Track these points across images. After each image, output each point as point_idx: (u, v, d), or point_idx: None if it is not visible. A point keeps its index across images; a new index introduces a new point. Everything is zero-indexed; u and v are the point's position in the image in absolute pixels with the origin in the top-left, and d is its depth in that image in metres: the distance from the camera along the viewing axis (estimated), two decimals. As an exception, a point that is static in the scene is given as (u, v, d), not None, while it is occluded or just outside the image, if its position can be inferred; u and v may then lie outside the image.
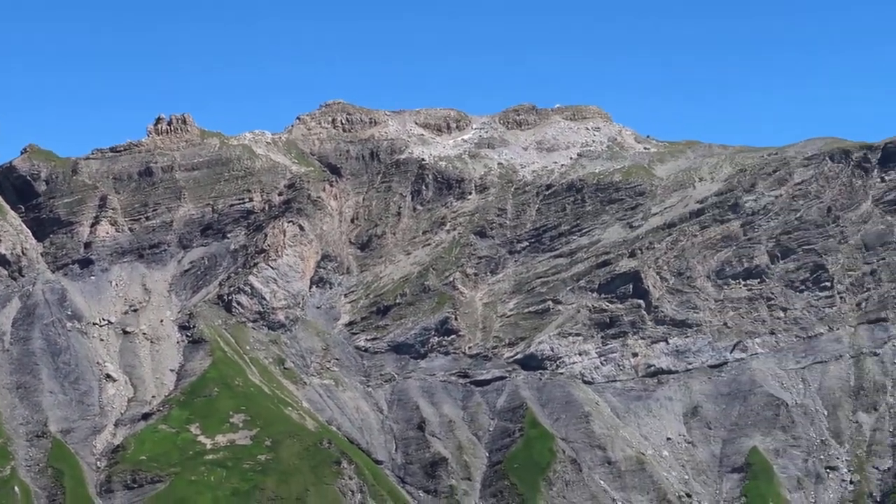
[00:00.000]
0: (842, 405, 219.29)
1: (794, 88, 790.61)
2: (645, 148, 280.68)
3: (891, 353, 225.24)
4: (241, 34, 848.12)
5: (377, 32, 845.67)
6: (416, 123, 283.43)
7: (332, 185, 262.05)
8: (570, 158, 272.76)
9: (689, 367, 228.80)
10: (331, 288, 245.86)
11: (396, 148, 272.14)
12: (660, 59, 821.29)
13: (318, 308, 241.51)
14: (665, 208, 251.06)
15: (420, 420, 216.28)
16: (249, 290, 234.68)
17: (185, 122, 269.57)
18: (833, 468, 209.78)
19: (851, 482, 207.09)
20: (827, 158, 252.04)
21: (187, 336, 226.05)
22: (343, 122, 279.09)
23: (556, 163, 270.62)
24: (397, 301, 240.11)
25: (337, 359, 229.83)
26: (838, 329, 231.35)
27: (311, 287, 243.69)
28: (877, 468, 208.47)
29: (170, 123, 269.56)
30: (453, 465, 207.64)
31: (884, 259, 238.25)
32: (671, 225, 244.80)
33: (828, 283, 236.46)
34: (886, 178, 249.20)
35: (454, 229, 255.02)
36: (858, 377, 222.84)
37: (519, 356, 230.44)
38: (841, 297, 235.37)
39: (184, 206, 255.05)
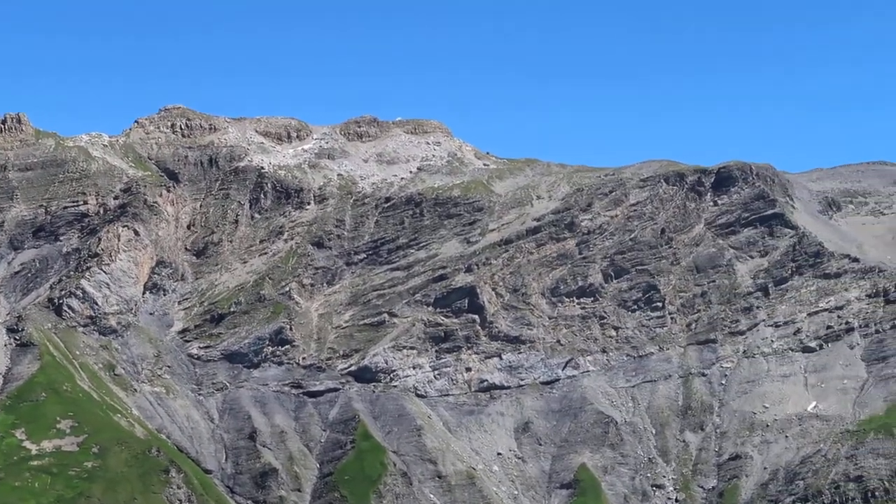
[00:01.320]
0: (669, 424, 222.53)
1: (630, 110, 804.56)
2: (484, 164, 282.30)
3: (718, 374, 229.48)
4: (80, 37, 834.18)
5: (220, 41, 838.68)
6: (257, 131, 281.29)
7: (169, 191, 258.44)
8: (410, 172, 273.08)
9: (522, 383, 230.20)
10: (165, 294, 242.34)
11: (236, 155, 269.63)
12: (501, 75, 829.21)
13: (150, 314, 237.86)
14: (502, 225, 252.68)
15: (251, 430, 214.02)
16: (81, 294, 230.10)
17: (19, 121, 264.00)
18: (659, 486, 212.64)
19: (677, 500, 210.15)
20: (662, 181, 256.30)
21: (15, 339, 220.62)
22: (182, 127, 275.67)
23: (395, 176, 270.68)
24: (232, 309, 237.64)
25: (169, 366, 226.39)
26: (668, 349, 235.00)
27: (144, 293, 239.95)
28: (702, 487, 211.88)
29: (3, 122, 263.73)
30: (283, 476, 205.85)
31: (714, 281, 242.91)
32: (508, 241, 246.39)
33: (659, 304, 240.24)
34: (719, 201, 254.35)
35: (292, 239, 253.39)
36: (686, 397, 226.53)
37: (353, 368, 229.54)
38: (672, 318, 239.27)
39: (16, 207, 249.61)
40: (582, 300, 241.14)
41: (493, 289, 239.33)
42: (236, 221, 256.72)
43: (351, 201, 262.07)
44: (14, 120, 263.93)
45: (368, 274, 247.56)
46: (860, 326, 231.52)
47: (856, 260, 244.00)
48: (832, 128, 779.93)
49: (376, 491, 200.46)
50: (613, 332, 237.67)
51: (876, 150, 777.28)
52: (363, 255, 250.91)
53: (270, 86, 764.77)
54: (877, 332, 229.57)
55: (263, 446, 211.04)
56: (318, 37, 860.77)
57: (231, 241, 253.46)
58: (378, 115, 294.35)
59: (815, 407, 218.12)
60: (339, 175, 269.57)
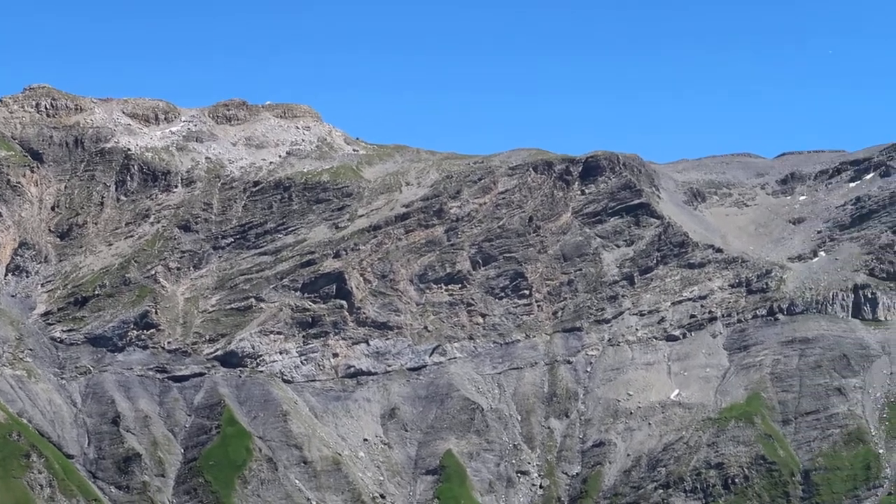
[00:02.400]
0: (535, 411, 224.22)
1: (500, 97, 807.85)
2: (354, 150, 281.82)
3: (584, 361, 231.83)
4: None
5: (88, 21, 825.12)
6: (124, 113, 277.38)
7: (33, 171, 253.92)
8: (279, 156, 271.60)
9: (389, 369, 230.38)
10: (27, 276, 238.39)
11: (102, 136, 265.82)
12: (371, 60, 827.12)
13: (12, 296, 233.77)
14: (371, 210, 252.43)
15: (115, 414, 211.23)
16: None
17: None
18: (524, 472, 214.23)
19: (541, 486, 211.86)
20: (530, 169, 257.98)
21: None
22: (47, 107, 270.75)
23: (264, 160, 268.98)
24: (96, 293, 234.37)
25: (31, 349, 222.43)
26: (534, 337, 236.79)
27: (6, 275, 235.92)
28: (566, 473, 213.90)
29: None
30: (147, 462, 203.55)
31: (580, 270, 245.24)
32: (376, 227, 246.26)
33: (526, 292, 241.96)
34: (586, 191, 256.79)
35: (158, 222, 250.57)
36: (552, 384, 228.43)
37: (219, 353, 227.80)
38: (538, 306, 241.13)
39: None
40: (450, 287, 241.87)
41: (362, 275, 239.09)
42: (102, 203, 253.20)
43: (219, 185, 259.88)
44: None
45: (236, 258, 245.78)
46: (723, 316, 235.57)
47: (719, 250, 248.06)
48: (698, 119, 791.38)
49: (241, 476, 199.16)
50: (480, 319, 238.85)
51: (741, 142, 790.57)
52: (231, 240, 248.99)
53: (138, 67, 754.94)
54: (739, 321, 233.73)
55: (127, 431, 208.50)
56: (187, 18, 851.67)
57: (96, 224, 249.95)
58: (247, 98, 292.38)
59: (677, 395, 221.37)
60: (207, 158, 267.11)
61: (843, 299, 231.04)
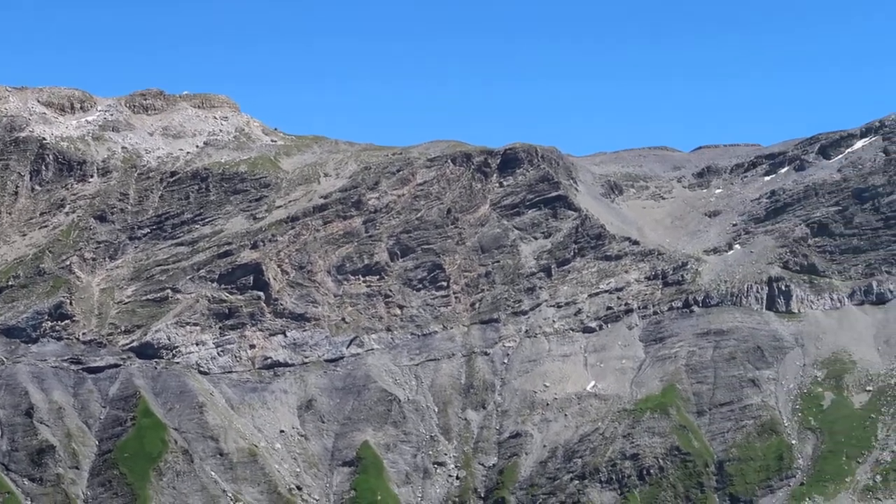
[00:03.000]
0: (452, 402, 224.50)
1: (419, 89, 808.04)
2: (272, 140, 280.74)
3: (501, 353, 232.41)
4: None
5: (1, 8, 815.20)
6: (39, 101, 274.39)
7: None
8: (197, 146, 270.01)
9: (306, 360, 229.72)
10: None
11: (16, 125, 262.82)
12: (289, 50, 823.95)
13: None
14: (289, 202, 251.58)
15: (28, 406, 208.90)
16: None
17: None
18: (441, 464, 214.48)
19: (458, 478, 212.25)
20: (449, 161, 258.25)
21: None
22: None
23: (181, 150, 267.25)
24: (10, 283, 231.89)
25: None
26: (452, 328, 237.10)
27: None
28: (482, 464, 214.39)
29: None
30: (61, 454, 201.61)
31: (498, 262, 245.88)
32: (294, 219, 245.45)
33: (444, 283, 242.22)
34: (505, 183, 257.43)
35: (73, 212, 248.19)
36: (469, 375, 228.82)
37: (135, 344, 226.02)
38: (456, 297, 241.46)
39: None
40: (367, 278, 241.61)
41: (279, 266, 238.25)
42: (16, 193, 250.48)
43: (135, 175, 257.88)
44: None
45: (152, 249, 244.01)
46: (639, 308, 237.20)
47: (636, 243, 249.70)
48: (616, 112, 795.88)
49: (156, 468, 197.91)
50: (398, 311, 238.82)
51: (658, 135, 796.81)
52: (147, 230, 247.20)
53: (54, 56, 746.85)
54: (654, 313, 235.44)
55: (41, 423, 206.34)
56: (104, 7, 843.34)
57: (10, 214, 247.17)
58: (165, 88, 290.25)
59: (593, 386, 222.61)
60: (123, 148, 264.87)
61: (758, 292, 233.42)
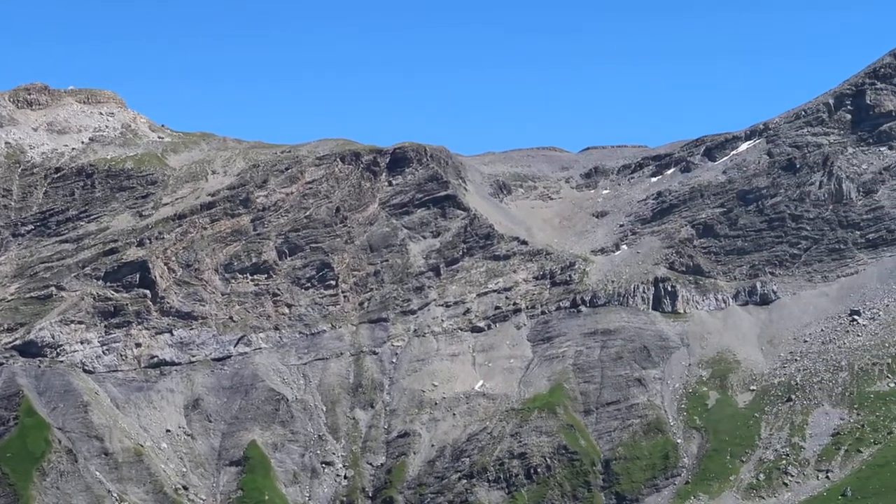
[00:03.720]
0: (340, 401, 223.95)
1: (308, 86, 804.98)
2: (159, 137, 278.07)
3: (389, 352, 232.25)
4: None
5: None
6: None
7: None
8: (82, 143, 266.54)
9: (193, 359, 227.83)
10: None
11: None
12: (176, 46, 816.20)
13: None
14: (176, 199, 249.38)
15: None
16: None
17: None
18: (329, 463, 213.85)
19: (346, 477, 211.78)
20: (338, 159, 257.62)
21: None
22: None
23: (66, 146, 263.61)
24: None
25: None
26: (340, 327, 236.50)
27: None
28: (370, 464, 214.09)
29: None
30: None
31: (387, 261, 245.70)
32: (182, 216, 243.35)
33: (332, 282, 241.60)
34: (394, 182, 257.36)
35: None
36: (357, 375, 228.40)
37: (18, 342, 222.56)
38: (345, 296, 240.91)
39: None
40: (255, 277, 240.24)
41: (166, 264, 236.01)
42: None
43: (19, 171, 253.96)
44: None
45: (36, 246, 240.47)
46: (527, 307, 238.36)
47: (524, 242, 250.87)
48: (505, 112, 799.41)
49: (40, 468, 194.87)
50: (286, 310, 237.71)
51: (546, 135, 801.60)
52: (31, 227, 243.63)
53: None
54: (542, 313, 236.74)
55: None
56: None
57: None
58: (50, 83, 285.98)
59: (482, 385, 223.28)
60: (6, 143, 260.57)
61: (644, 292, 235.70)
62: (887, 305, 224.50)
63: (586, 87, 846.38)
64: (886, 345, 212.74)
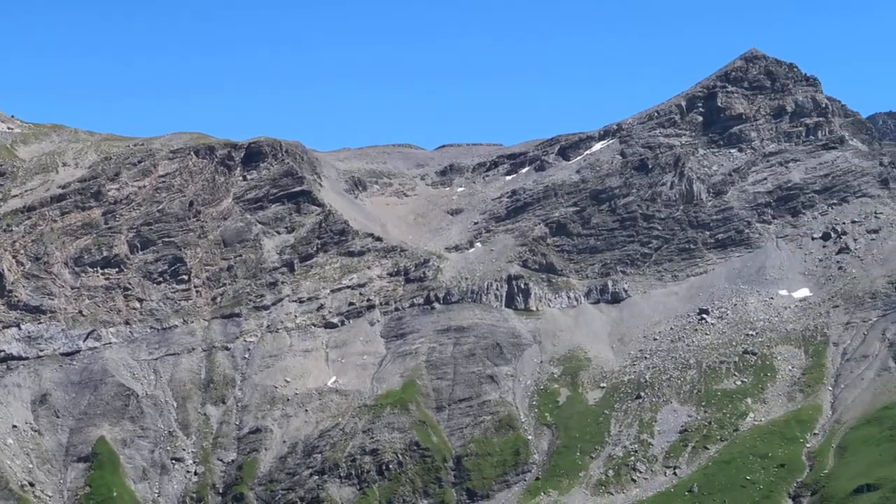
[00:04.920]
0: (191, 397, 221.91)
1: (162, 78, 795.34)
2: (8, 128, 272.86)
3: (241, 347, 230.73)
4: None
5: None
6: None
7: None
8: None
9: (41, 353, 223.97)
10: None
11: None
12: (27, 33, 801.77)
13: None
14: (26, 191, 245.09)
15: None
16: None
17: None
18: (179, 459, 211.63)
19: (196, 473, 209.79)
20: (192, 153, 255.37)
21: None
22: None
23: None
24: None
25: None
26: (192, 322, 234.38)
27: None
28: (221, 460, 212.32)
29: None
30: None
31: (241, 256, 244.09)
32: (31, 209, 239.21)
33: (185, 277, 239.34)
34: (248, 176, 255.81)
35: None
36: (209, 370, 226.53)
37: None
38: (197, 291, 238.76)
39: None
40: (106, 271, 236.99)
41: (14, 256, 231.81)
42: None
43: None
44: None
45: None
46: (381, 304, 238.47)
47: (379, 239, 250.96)
48: (361, 109, 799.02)
49: None
50: (137, 304, 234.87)
51: (402, 132, 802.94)
52: None
53: None
54: (396, 309, 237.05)
55: None
56: None
57: None
58: None
59: (334, 381, 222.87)
60: None
61: (497, 289, 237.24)
62: (735, 305, 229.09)
63: (442, 85, 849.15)
64: (734, 343, 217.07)
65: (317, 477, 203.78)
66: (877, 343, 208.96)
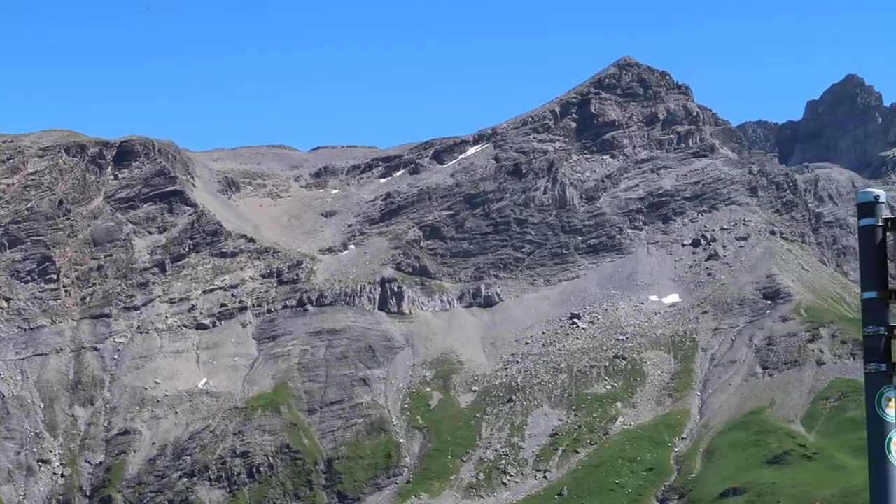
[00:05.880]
0: (59, 398, 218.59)
1: (31, 73, 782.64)
2: None
3: (111, 348, 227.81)
4: None
5: None
6: None
7: None
8: None
9: None
10: None
11: None
12: None
13: None
14: None
15: None
16: None
17: None
18: (45, 461, 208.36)
19: (63, 475, 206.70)
20: (62, 151, 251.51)
21: None
22: None
23: None
24: None
25: None
26: (61, 322, 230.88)
27: None
28: (89, 462, 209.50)
29: None
30: None
31: (111, 255, 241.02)
32: None
33: (54, 276, 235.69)
34: (120, 175, 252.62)
35: None
36: (77, 371, 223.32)
37: None
38: (66, 291, 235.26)
39: None
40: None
41: None
42: None
43: None
44: None
45: None
46: (253, 306, 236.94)
47: (252, 240, 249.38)
48: (235, 109, 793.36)
49: None
50: (4, 304, 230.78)
51: (276, 133, 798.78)
52: None
53: None
54: (269, 311, 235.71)
55: None
56: None
57: None
58: None
59: (205, 383, 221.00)
60: None
61: (371, 292, 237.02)
62: (606, 310, 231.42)
63: (317, 87, 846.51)
64: (604, 348, 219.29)
65: (186, 479, 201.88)
66: (744, 349, 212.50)
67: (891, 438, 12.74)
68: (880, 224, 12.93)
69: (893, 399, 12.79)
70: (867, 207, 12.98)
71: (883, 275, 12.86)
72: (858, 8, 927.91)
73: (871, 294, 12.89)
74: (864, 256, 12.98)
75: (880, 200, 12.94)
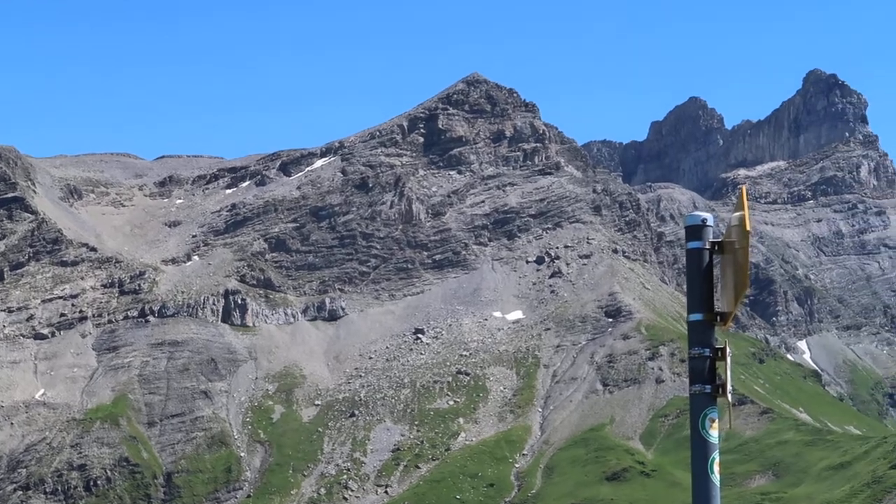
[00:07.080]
0: None
1: None
2: None
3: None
4: None
5: None
6: None
7: None
8: None
9: None
10: None
11: None
12: None
13: None
14: None
15: None
16: None
17: None
18: None
19: None
20: None
21: None
22: None
23: None
24: None
25: None
26: None
27: None
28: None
29: None
30: None
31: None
32: None
33: None
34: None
35: None
36: None
37: None
38: None
39: None
40: None
41: None
42: None
43: None
44: None
45: None
46: (94, 316, 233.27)
47: (94, 249, 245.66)
48: (78, 116, 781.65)
49: None
50: None
51: (120, 141, 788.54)
52: None
53: None
54: (109, 321, 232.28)
55: None
56: None
57: None
58: None
59: (43, 394, 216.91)
60: None
61: (214, 304, 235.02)
62: (450, 325, 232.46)
63: (160, 95, 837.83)
64: (447, 363, 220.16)
65: (21, 492, 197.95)
66: (585, 366, 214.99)
67: (714, 459, 12.91)
68: (707, 248, 13.13)
69: (717, 420, 12.97)
70: (695, 230, 13.16)
71: (709, 298, 13.04)
72: (703, 32, 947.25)
73: (698, 316, 13.05)
74: (691, 279, 13.15)
75: (707, 224, 13.13)
